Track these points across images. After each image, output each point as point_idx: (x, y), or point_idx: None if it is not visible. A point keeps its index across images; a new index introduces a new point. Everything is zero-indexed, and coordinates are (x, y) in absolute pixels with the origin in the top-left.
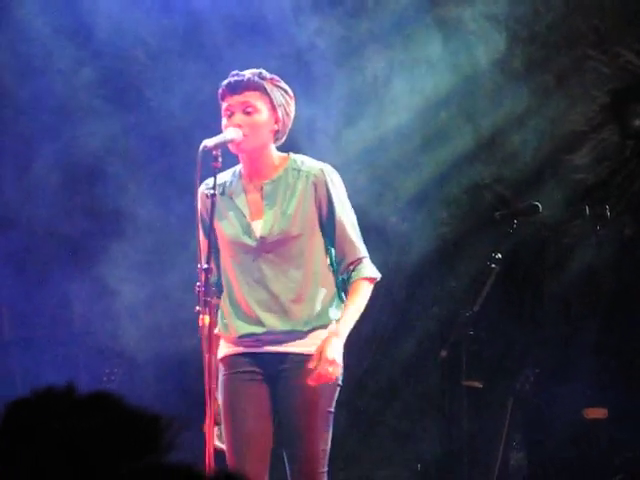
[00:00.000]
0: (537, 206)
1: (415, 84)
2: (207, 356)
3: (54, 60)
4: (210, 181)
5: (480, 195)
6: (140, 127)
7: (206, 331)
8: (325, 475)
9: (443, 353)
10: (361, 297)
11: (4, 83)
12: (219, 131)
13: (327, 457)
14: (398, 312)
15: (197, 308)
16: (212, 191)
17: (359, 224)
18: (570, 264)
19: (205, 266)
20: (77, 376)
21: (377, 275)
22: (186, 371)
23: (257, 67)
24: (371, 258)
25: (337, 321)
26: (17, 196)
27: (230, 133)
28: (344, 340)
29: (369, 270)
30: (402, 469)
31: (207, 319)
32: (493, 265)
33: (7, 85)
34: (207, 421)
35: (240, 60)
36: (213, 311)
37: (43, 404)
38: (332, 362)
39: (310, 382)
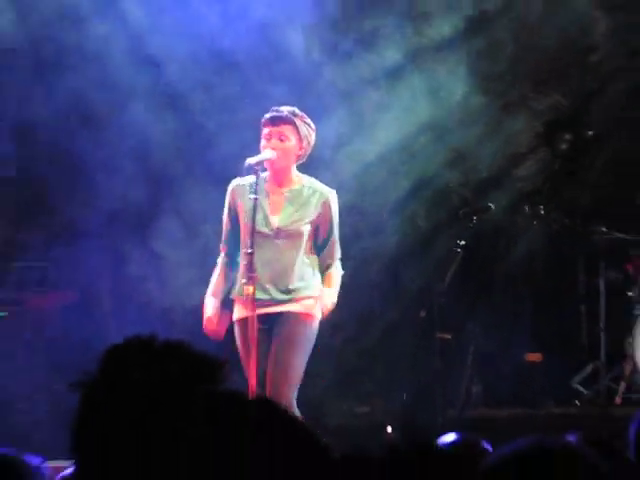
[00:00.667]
0: (490, 206)
1: (401, 113)
2: (252, 314)
3: (135, 88)
4: (246, 180)
5: (448, 197)
6: (191, 137)
7: (251, 297)
8: (296, 387)
9: (422, 313)
10: (336, 283)
11: (98, 107)
12: (248, 142)
13: (299, 376)
14: (386, 285)
15: (243, 281)
16: (255, 195)
17: (356, 219)
18: (514, 250)
19: (249, 250)
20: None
21: (341, 272)
22: None
23: (274, 95)
24: (365, 243)
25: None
26: (107, 190)
27: (267, 154)
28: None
29: (339, 270)
30: (390, 399)
31: (251, 289)
32: (458, 250)
33: (99, 107)
34: (251, 364)
35: (262, 90)
36: (255, 283)
37: (131, 351)
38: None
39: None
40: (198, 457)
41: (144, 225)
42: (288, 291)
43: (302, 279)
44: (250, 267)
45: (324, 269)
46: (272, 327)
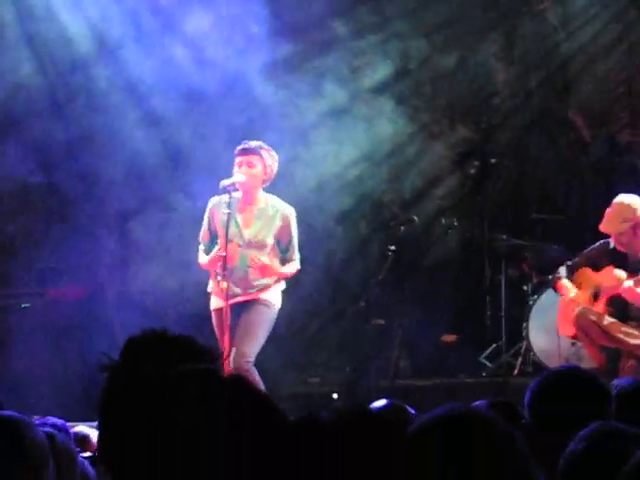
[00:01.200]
0: (414, 218)
1: (345, 141)
2: (226, 305)
3: (128, 116)
4: (221, 198)
5: (382, 211)
6: (171, 155)
7: (225, 291)
8: (256, 351)
9: (362, 303)
10: (289, 271)
11: (100, 131)
12: (217, 162)
13: (258, 343)
14: (333, 281)
15: (218, 278)
16: (228, 210)
17: (310, 227)
18: (434, 253)
19: (223, 254)
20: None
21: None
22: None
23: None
24: (317, 246)
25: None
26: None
27: (238, 177)
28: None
29: (297, 265)
30: (336, 372)
31: (225, 284)
32: (390, 253)
33: (100, 131)
34: (225, 345)
35: (229, 120)
36: (229, 279)
37: (147, 342)
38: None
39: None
40: (190, 433)
41: (136, 228)
42: (254, 287)
43: (265, 277)
44: (224, 266)
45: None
46: (240, 313)
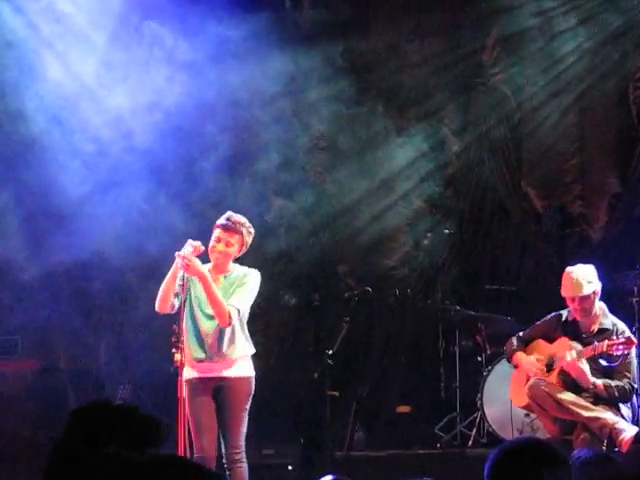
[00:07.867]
0: (369, 290)
1: (297, 218)
2: (180, 379)
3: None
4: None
5: (337, 284)
6: None
7: (179, 363)
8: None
9: (315, 375)
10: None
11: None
12: None
13: (244, 436)
14: (286, 351)
15: (173, 350)
16: (181, 282)
17: (261, 299)
18: (387, 323)
19: (175, 326)
20: None
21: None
22: None
23: None
24: (268, 318)
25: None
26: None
27: (187, 248)
28: None
29: (230, 311)
30: (291, 444)
31: (178, 356)
32: (344, 324)
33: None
34: (180, 420)
35: None
36: (183, 352)
37: (90, 416)
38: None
39: None
40: None
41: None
42: (224, 354)
43: (235, 342)
44: (178, 340)
45: None
46: (217, 388)
